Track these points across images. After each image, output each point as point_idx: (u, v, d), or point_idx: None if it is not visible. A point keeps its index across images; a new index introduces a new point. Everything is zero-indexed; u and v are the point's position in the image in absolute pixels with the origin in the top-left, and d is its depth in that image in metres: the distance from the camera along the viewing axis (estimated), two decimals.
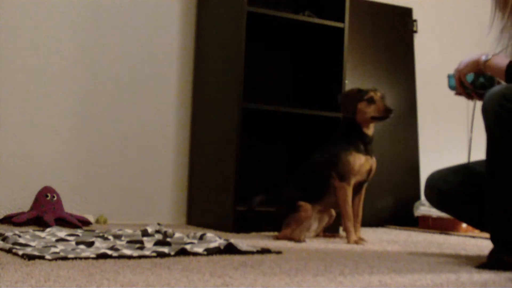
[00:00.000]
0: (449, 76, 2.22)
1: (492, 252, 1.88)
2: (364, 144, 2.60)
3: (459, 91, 2.17)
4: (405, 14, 4.08)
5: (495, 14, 2.17)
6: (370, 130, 2.63)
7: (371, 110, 2.58)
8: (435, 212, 3.45)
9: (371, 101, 2.58)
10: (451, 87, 2.22)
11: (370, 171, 2.62)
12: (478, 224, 2.30)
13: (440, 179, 2.29)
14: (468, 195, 2.22)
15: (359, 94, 2.61)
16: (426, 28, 4.15)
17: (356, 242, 2.54)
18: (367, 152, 2.60)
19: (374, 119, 2.59)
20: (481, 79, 2.10)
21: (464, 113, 4.04)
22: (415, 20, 4.10)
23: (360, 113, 2.59)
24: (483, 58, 2.03)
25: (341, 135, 2.66)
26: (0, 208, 2.97)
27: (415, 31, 4.10)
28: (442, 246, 2.62)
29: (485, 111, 1.89)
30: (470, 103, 2.27)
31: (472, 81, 2.10)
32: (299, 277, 1.58)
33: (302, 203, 2.62)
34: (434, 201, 2.34)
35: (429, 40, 4.16)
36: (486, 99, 1.88)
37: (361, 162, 2.57)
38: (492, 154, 1.88)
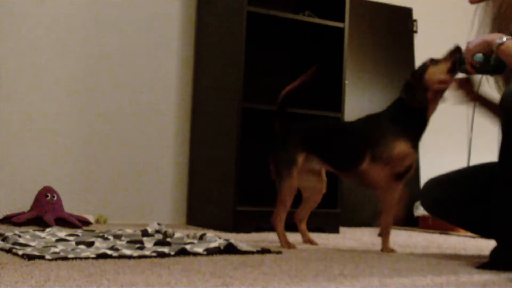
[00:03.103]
0: (458, 57, 2.11)
1: (494, 251, 1.87)
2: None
3: (468, 72, 2.06)
4: (405, 14, 4.08)
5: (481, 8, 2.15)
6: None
7: (442, 67, 2.18)
8: None
9: (435, 62, 2.20)
10: (460, 69, 2.10)
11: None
12: (476, 229, 2.29)
13: (436, 187, 2.28)
14: (465, 202, 2.20)
15: (418, 71, 2.23)
16: (426, 28, 4.15)
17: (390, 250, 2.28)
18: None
19: (452, 71, 2.16)
20: (492, 61, 1.98)
21: (464, 113, 4.05)
22: (415, 20, 4.10)
23: (432, 82, 2.18)
24: (498, 40, 1.91)
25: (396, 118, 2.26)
26: (0, 208, 2.97)
27: (415, 31, 4.10)
28: (442, 246, 2.62)
29: (504, 109, 1.81)
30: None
31: (482, 61, 1.98)
32: (299, 277, 1.58)
33: (300, 158, 2.34)
34: (431, 209, 2.33)
35: (429, 40, 4.16)
36: (506, 96, 1.81)
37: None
38: (506, 152, 1.82)
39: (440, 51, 4.33)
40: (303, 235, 2.53)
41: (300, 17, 3.18)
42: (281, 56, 3.53)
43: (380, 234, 2.32)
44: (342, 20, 3.21)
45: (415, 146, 2.24)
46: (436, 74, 2.17)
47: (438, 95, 2.20)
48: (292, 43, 3.50)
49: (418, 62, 4.09)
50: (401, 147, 2.19)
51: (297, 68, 3.53)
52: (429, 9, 4.19)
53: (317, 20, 3.18)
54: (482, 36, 1.99)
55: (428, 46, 4.16)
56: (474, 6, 2.22)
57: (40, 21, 3.09)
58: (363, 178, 2.25)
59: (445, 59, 2.19)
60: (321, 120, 2.49)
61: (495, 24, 2.10)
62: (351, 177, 2.34)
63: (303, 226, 2.54)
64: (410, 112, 2.21)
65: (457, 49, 2.18)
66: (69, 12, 3.14)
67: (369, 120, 2.32)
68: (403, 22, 4.07)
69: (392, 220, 2.31)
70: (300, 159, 2.35)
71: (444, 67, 2.17)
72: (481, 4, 2.16)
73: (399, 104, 2.27)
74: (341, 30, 3.21)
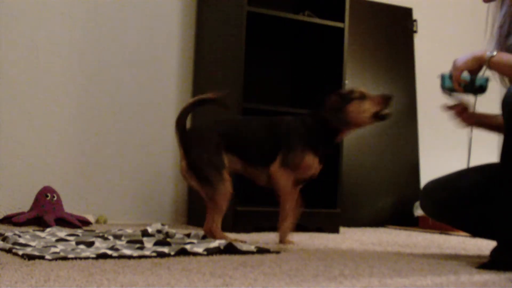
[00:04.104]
0: (443, 76, 2.08)
1: (495, 251, 1.86)
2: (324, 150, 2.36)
3: (456, 91, 2.06)
4: (405, 14, 4.08)
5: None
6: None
7: (368, 107, 2.29)
8: None
9: (363, 97, 2.30)
10: (445, 88, 2.09)
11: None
12: (475, 232, 2.29)
13: (436, 189, 2.27)
14: (464, 204, 2.20)
15: (344, 97, 2.32)
16: (426, 28, 4.15)
17: (286, 242, 2.37)
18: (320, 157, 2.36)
19: (376, 117, 2.30)
20: (477, 82, 1.99)
21: None
22: (415, 20, 4.10)
23: (354, 114, 2.29)
24: (488, 54, 1.92)
25: (305, 134, 2.35)
26: (0, 208, 2.97)
27: (415, 31, 4.10)
28: (442, 246, 2.62)
29: (505, 109, 1.81)
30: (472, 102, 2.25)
31: (470, 80, 1.99)
32: (299, 277, 1.58)
33: (226, 159, 2.28)
34: (430, 212, 2.33)
35: (429, 40, 4.16)
36: (507, 97, 1.80)
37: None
38: (508, 152, 1.81)
39: (440, 51, 4.34)
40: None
41: (300, 17, 3.18)
42: (281, 56, 3.53)
43: (281, 241, 2.40)
44: (342, 20, 3.21)
45: (321, 160, 2.36)
46: (360, 110, 2.29)
47: (356, 126, 2.35)
48: (292, 43, 3.50)
49: (418, 62, 4.09)
50: (309, 158, 2.32)
51: (297, 68, 3.54)
52: (429, 9, 4.19)
53: (317, 20, 3.18)
54: (470, 52, 1.98)
55: (428, 46, 4.16)
56: (475, 7, 2.22)
57: (40, 21, 3.09)
58: (271, 179, 2.34)
59: (373, 100, 2.30)
60: (230, 117, 2.52)
61: (509, 20, 2.08)
62: (262, 177, 2.38)
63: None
64: (322, 129, 2.34)
65: (389, 98, 2.31)
66: (69, 11, 3.14)
67: (284, 123, 2.38)
68: (403, 22, 4.07)
69: (291, 225, 2.41)
70: (226, 159, 2.31)
71: (369, 108, 2.29)
72: (494, 2, 2.15)
73: (315, 118, 2.37)
74: (341, 30, 3.21)
